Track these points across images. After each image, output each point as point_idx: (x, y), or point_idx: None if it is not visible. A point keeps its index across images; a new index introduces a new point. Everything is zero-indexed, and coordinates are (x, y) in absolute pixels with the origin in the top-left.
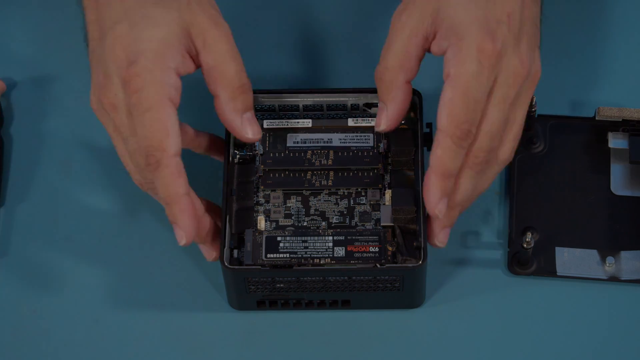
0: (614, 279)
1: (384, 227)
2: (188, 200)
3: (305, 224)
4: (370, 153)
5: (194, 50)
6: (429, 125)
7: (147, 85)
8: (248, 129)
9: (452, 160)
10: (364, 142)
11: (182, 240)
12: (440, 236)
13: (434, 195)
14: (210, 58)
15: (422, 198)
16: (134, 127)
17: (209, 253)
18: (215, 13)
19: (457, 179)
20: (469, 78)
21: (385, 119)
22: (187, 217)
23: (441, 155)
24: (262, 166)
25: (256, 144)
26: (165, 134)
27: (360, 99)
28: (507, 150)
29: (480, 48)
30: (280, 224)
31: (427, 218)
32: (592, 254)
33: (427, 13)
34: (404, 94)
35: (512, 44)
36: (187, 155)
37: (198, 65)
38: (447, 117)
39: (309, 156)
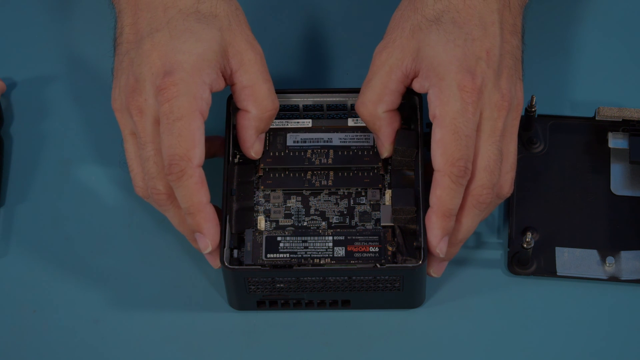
0: (614, 279)
1: (384, 227)
2: (212, 208)
3: (305, 224)
4: (371, 152)
5: (229, 69)
6: (429, 125)
7: (181, 95)
8: (255, 148)
9: (452, 200)
10: (364, 142)
11: (208, 248)
12: (438, 269)
13: (436, 236)
14: (245, 78)
15: (422, 198)
16: (157, 134)
17: (216, 261)
18: (251, 35)
19: (460, 218)
20: (455, 116)
21: (381, 146)
22: (212, 225)
23: (441, 195)
24: (261, 165)
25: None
26: (193, 144)
27: None
28: (506, 182)
29: (461, 86)
30: (280, 224)
31: (428, 253)
32: (592, 254)
33: (407, 52)
34: (387, 122)
35: (492, 79)
36: None
37: (229, 84)
38: (441, 156)
39: (308, 155)
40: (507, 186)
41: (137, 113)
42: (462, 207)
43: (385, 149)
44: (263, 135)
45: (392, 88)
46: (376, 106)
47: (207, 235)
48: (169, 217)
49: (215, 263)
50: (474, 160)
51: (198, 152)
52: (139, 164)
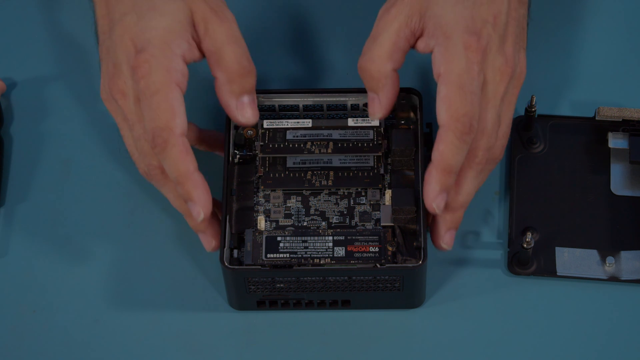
0: (614, 279)
1: (384, 227)
2: (200, 176)
3: (305, 224)
4: (371, 144)
5: (197, 38)
6: (429, 125)
7: (153, 70)
8: (243, 112)
9: (454, 156)
10: (363, 136)
11: (200, 215)
12: (446, 238)
13: (433, 190)
14: (210, 43)
15: (422, 198)
16: (141, 113)
17: (209, 242)
18: (220, 3)
19: (459, 180)
20: (460, 72)
21: (380, 107)
22: (201, 191)
23: (443, 150)
24: (260, 154)
25: (256, 143)
26: (172, 114)
27: (360, 99)
28: (498, 148)
29: (467, 45)
30: (280, 224)
31: (432, 220)
32: (592, 254)
33: (415, 10)
34: (392, 81)
35: (497, 44)
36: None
37: (202, 53)
38: (446, 112)
39: (308, 146)
40: (498, 152)
41: (121, 96)
42: (462, 172)
43: (381, 110)
44: (248, 98)
45: (400, 46)
46: (385, 63)
47: (198, 201)
48: (166, 194)
49: (209, 244)
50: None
51: (179, 122)
52: (135, 146)
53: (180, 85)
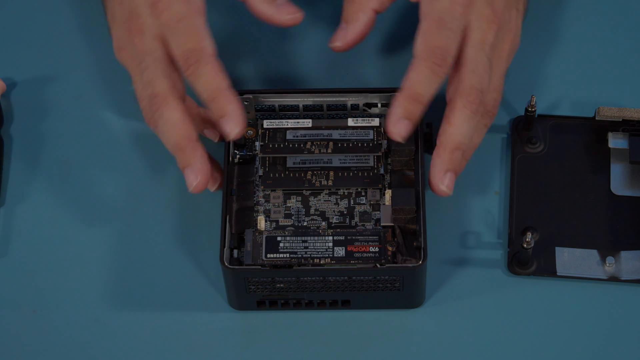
0: (614, 279)
1: (384, 227)
2: (232, 92)
3: (305, 224)
4: (371, 144)
5: None
6: (429, 125)
7: (173, 3)
8: (283, 12)
9: (421, 84)
10: (363, 136)
11: (235, 130)
12: (446, 180)
13: (395, 113)
14: None
15: (422, 197)
16: (155, 48)
17: (194, 175)
18: None
19: (451, 119)
20: (442, 10)
21: (343, 37)
22: (235, 106)
23: (412, 77)
24: (260, 154)
25: (256, 143)
26: (201, 36)
27: (360, 99)
28: (492, 100)
29: None
30: (280, 224)
31: (432, 164)
32: (592, 254)
33: None
34: (367, 19)
35: None
36: None
37: None
38: (421, 43)
39: (308, 146)
40: (491, 103)
41: (138, 35)
42: (452, 108)
43: (343, 39)
44: (282, 1)
45: None
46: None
47: (233, 116)
48: (162, 124)
49: (195, 178)
50: (462, 64)
51: (208, 43)
52: (144, 91)
53: (201, 12)
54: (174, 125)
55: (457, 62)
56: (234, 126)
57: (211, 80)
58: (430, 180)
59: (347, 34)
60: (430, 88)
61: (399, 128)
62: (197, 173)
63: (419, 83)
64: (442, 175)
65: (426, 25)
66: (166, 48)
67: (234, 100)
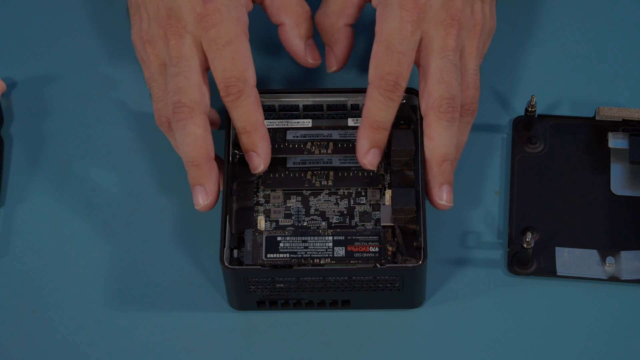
0: (614, 279)
1: (384, 227)
2: (265, 128)
3: (305, 224)
4: None
5: None
6: None
7: (224, 20)
8: (310, 55)
9: (379, 112)
10: None
11: (260, 167)
12: (442, 193)
13: (363, 146)
14: None
15: (422, 197)
16: (192, 56)
17: (205, 196)
18: None
19: (429, 133)
20: (391, 32)
21: (334, 60)
22: (266, 145)
23: (369, 106)
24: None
25: None
26: (247, 66)
27: (360, 99)
28: (467, 98)
29: (402, 4)
30: (280, 224)
31: (426, 183)
32: (592, 254)
33: None
34: (345, 35)
35: (441, 1)
36: None
37: (258, 3)
38: (373, 70)
39: (308, 147)
40: (468, 103)
41: (175, 37)
42: (428, 124)
43: (336, 63)
44: (312, 42)
45: (354, 1)
46: (338, 18)
47: (262, 154)
48: (184, 136)
49: (205, 199)
50: (427, 75)
51: (252, 73)
52: (165, 87)
53: (247, 34)
54: (195, 140)
55: (423, 74)
56: (259, 163)
57: (249, 114)
58: (429, 198)
59: (336, 55)
60: (388, 114)
61: (369, 159)
62: (209, 194)
63: (377, 111)
64: (437, 191)
65: (377, 49)
66: (203, 58)
67: (265, 137)
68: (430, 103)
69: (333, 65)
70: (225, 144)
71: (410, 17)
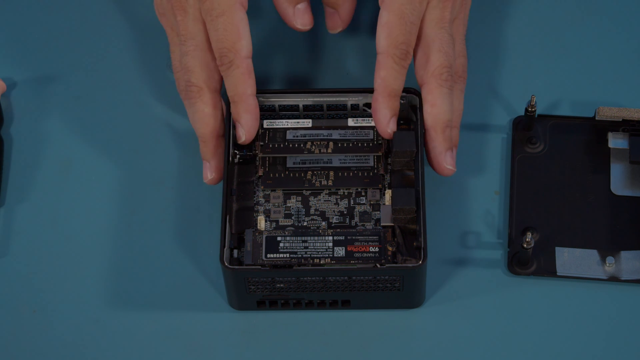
0: (614, 279)
1: (384, 227)
2: (253, 101)
3: (305, 224)
4: (371, 144)
5: None
6: None
7: None
8: (298, 19)
9: (395, 80)
10: (363, 136)
11: (242, 138)
12: (448, 158)
13: (385, 115)
14: None
15: (422, 197)
16: (197, 32)
17: (209, 172)
18: None
19: (434, 101)
20: (403, 2)
21: (340, 21)
22: (251, 117)
23: (385, 75)
24: (260, 154)
25: (256, 143)
26: (238, 37)
27: (360, 99)
28: (460, 66)
29: None
30: (280, 224)
31: (428, 150)
32: (592, 254)
33: None
34: None
35: None
36: (188, 154)
37: None
38: (386, 39)
39: (308, 146)
40: (460, 70)
41: (181, 12)
42: (429, 91)
43: (342, 24)
44: (303, 6)
45: None
46: None
47: (244, 125)
48: (193, 112)
49: (209, 173)
50: (427, 45)
51: (244, 44)
52: (180, 62)
53: (244, 5)
54: (203, 117)
55: (422, 43)
56: (242, 134)
57: (237, 84)
58: (434, 165)
59: (342, 16)
60: (402, 81)
61: (392, 126)
62: (213, 170)
63: (394, 80)
64: (443, 157)
65: (388, 18)
66: (207, 31)
67: (250, 110)
68: (431, 70)
69: (338, 26)
70: (226, 144)
71: None
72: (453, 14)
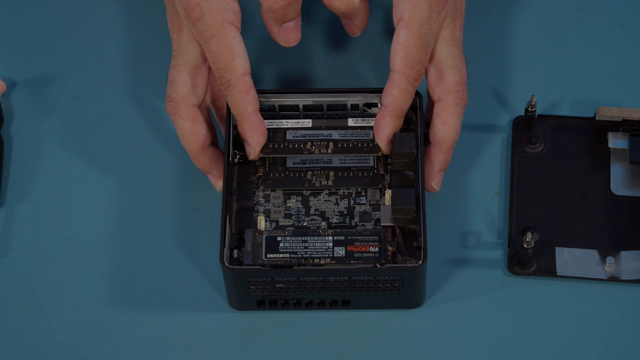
0: (614, 279)
1: (384, 227)
2: (256, 117)
3: (305, 224)
4: (370, 144)
5: None
6: (429, 125)
7: (205, 14)
8: (282, 38)
9: (406, 101)
10: (363, 136)
11: (251, 155)
12: (437, 179)
13: (387, 134)
14: None
15: (422, 197)
16: (189, 49)
17: (215, 182)
18: None
19: (447, 119)
20: (422, 22)
21: (357, 28)
22: (255, 133)
23: (397, 95)
24: (260, 153)
25: None
26: (232, 56)
27: (360, 99)
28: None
29: None
30: (280, 224)
31: (424, 164)
32: (592, 254)
33: None
34: (364, 7)
35: None
36: (187, 154)
37: None
38: (403, 58)
39: (308, 146)
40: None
41: (177, 31)
42: (444, 108)
43: (360, 29)
44: (292, 24)
45: None
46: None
47: (250, 142)
48: (177, 129)
49: (216, 184)
50: (440, 62)
51: (239, 62)
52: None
53: (235, 24)
54: (183, 134)
55: (433, 60)
56: (250, 151)
57: (238, 103)
58: (425, 179)
59: (358, 24)
60: (410, 100)
61: (389, 143)
62: (218, 178)
63: (405, 100)
64: (434, 175)
65: (406, 37)
66: (202, 50)
67: (254, 127)
68: (447, 87)
69: (356, 32)
70: (226, 144)
71: (437, 8)
72: (461, 32)
